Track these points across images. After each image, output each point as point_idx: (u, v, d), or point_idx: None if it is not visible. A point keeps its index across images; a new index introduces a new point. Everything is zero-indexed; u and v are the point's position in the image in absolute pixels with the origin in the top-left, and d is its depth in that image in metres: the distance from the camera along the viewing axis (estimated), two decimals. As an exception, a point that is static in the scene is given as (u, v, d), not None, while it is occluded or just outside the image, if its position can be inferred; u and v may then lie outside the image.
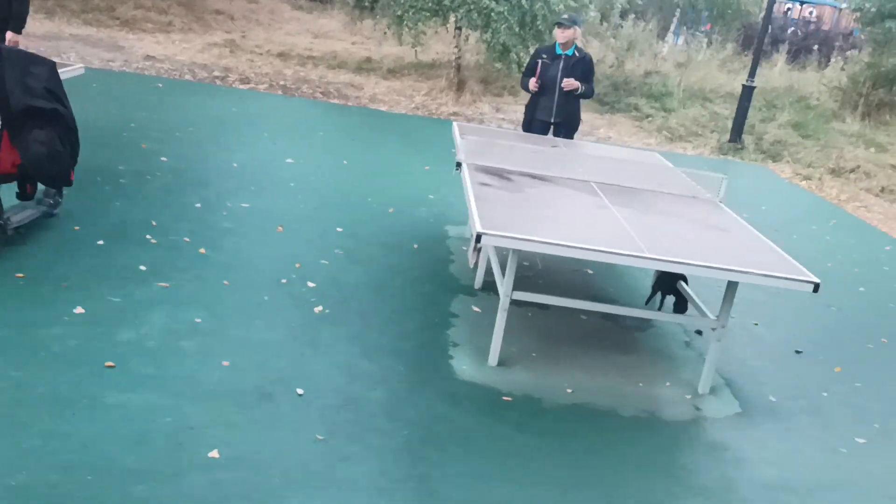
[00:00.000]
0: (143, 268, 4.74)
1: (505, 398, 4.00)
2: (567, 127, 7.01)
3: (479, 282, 5.30)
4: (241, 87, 11.46)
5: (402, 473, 3.28)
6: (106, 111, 8.39)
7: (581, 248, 3.77)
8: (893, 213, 9.70)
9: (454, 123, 6.64)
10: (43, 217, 5.01)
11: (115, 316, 4.14)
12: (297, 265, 5.19)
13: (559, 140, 6.61)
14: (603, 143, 11.16)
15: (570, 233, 4.02)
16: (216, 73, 12.03)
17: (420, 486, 3.21)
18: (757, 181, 10.57)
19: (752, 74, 12.16)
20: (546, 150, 5.77)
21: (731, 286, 4.19)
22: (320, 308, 4.63)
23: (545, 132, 6.98)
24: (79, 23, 14.47)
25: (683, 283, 5.03)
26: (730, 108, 13.47)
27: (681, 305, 5.13)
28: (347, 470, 3.25)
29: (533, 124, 7.01)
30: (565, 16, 7.37)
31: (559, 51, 6.82)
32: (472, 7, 11.23)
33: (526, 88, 6.94)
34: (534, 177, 5.03)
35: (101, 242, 4.99)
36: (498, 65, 11.97)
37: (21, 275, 4.38)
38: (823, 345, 5.38)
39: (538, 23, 11.26)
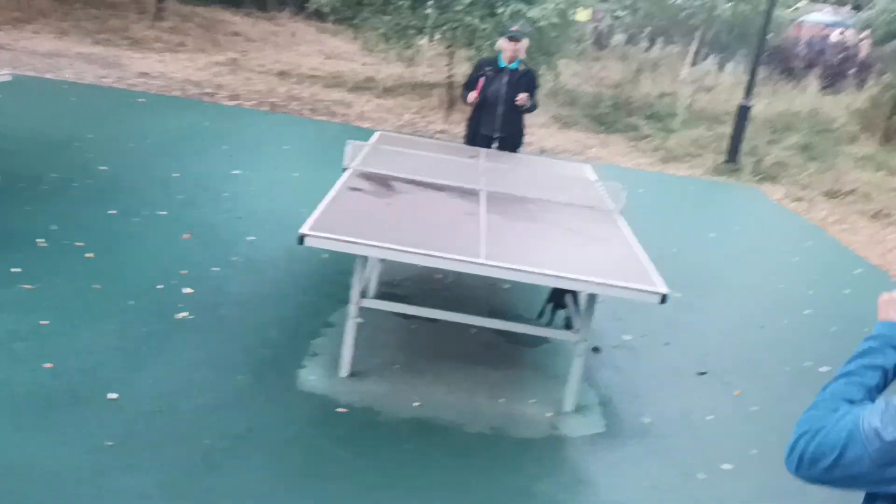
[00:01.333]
0: (16, 270, 4.71)
1: (340, 409, 3.82)
2: (511, 141, 6.78)
3: (372, 292, 5.15)
4: (229, 103, 11.55)
5: (182, 487, 3.12)
6: (66, 123, 8.51)
7: (407, 252, 3.59)
8: (881, 237, 9.22)
9: (377, 133, 6.52)
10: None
11: (-41, 315, 4.09)
12: (184, 272, 5.10)
13: (484, 150, 6.42)
14: (564, 158, 10.91)
15: (416, 238, 3.84)
16: (207, 90, 12.15)
17: (196, 502, 3.05)
18: (741, 202, 10.20)
19: (747, 94, 11.79)
20: (456, 160, 5.59)
21: (591, 298, 3.95)
22: (184, 315, 4.52)
23: (488, 146, 6.75)
24: (90, 42, 14.82)
25: (573, 297, 4.78)
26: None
27: (569, 321, 4.89)
28: (125, 480, 3.10)
29: (476, 139, 6.77)
30: (515, 27, 7.10)
31: (502, 64, 6.57)
32: (456, 25, 11.15)
33: (466, 101, 6.76)
34: (418, 184, 4.86)
35: (-14, 245, 4.99)
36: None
37: None
38: (733, 367, 5.06)
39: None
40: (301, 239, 3.61)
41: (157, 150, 8.04)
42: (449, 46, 12.25)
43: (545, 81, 12.58)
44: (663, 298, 3.62)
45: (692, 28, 20.74)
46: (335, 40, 19.72)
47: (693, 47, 19.79)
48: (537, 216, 4.59)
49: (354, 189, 4.51)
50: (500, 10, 10.82)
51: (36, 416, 3.40)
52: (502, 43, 6.70)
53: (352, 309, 4.02)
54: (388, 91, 13.81)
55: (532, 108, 6.70)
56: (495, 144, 6.73)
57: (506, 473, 3.55)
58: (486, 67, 6.66)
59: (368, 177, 4.84)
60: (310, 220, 3.79)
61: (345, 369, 4.10)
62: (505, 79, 6.53)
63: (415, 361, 4.42)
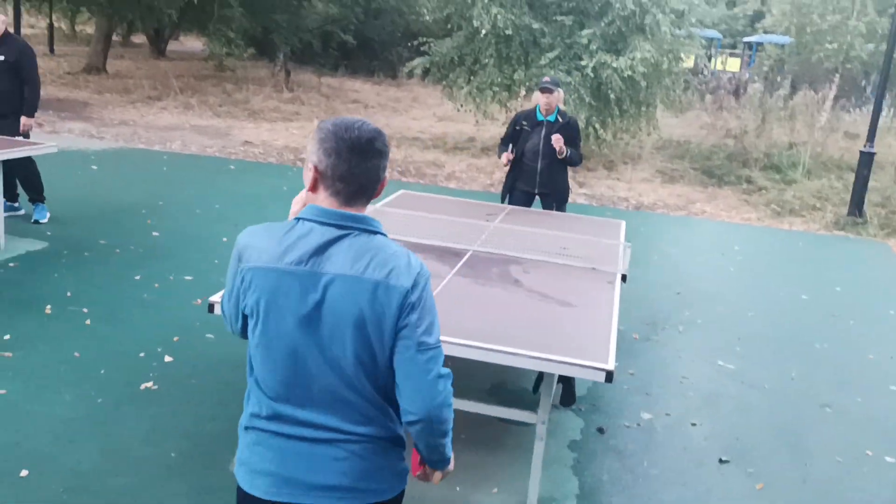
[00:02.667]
0: (6, 337, 4.75)
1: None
2: (556, 198, 6.34)
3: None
4: (319, 168, 11.71)
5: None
6: (142, 190, 8.83)
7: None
8: None
9: (400, 191, 6.25)
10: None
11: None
12: (175, 338, 4.98)
13: (507, 209, 5.98)
14: (623, 208, 10.18)
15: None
16: (302, 156, 12.42)
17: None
18: (858, 259, 9.08)
19: (870, 139, 10.64)
20: (465, 221, 5.19)
21: (547, 377, 3.42)
22: (148, 385, 4.36)
23: (528, 203, 6.36)
24: (210, 115, 15.63)
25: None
26: (873, 180, 11.81)
27: (567, 397, 4.34)
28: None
29: (514, 194, 6.37)
30: (547, 79, 6.60)
31: (540, 116, 6.17)
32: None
33: (500, 159, 6.36)
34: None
35: (-7, 312, 5.09)
36: (591, 143, 11.52)
37: None
38: (769, 454, 4.30)
39: (610, 93, 10.62)
40: (210, 307, 3.35)
41: (218, 215, 8.16)
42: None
43: (643, 133, 11.99)
44: (608, 376, 3.06)
45: (829, 72, 19.30)
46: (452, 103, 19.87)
47: (832, 92, 18.37)
48: (514, 279, 4.11)
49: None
50: (583, 63, 10.39)
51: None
52: (537, 95, 6.30)
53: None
54: (486, 150, 13.61)
55: (574, 160, 6.26)
56: (537, 201, 6.37)
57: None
58: (523, 122, 6.26)
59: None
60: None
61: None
62: (543, 132, 6.15)
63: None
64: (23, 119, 7.08)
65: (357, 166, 1.90)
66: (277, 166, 11.52)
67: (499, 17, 10.57)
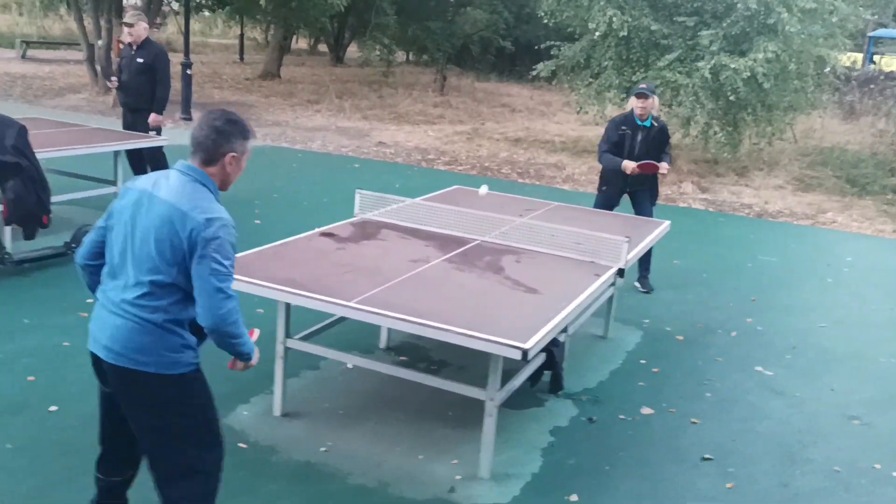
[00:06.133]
0: (27, 321, 5.49)
1: (241, 445, 3.90)
2: (649, 192, 6.81)
3: (384, 341, 5.17)
4: (442, 167, 12.19)
5: None
6: (267, 183, 9.65)
7: (283, 291, 3.64)
8: None
9: (454, 186, 6.51)
10: (53, 256, 6.05)
11: None
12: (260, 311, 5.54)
13: (549, 205, 6.18)
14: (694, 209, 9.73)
15: (317, 280, 3.86)
16: (430, 156, 12.95)
17: None
18: None
19: None
20: (492, 216, 5.38)
21: (493, 358, 3.59)
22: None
23: (618, 199, 6.84)
24: (358, 117, 16.57)
25: (555, 355, 4.35)
26: None
27: (555, 384, 4.45)
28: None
29: (608, 191, 6.82)
30: (643, 85, 7.00)
31: (638, 122, 6.59)
32: (658, 82, 10.67)
33: (603, 162, 6.71)
34: (406, 231, 4.84)
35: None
36: (712, 146, 11.29)
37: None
38: (752, 458, 4.20)
39: (731, 95, 10.29)
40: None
41: (321, 208, 8.77)
42: (670, 106, 11.73)
43: (778, 139, 11.50)
44: (524, 354, 3.22)
45: None
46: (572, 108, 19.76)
47: None
48: (499, 268, 4.29)
49: (324, 234, 4.63)
50: (701, 65, 10.16)
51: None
52: (633, 101, 6.68)
53: (278, 348, 4.12)
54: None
55: (668, 165, 6.74)
56: (628, 198, 6.84)
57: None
58: (623, 126, 6.68)
59: (357, 224, 4.94)
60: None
61: (277, 408, 4.19)
62: (640, 136, 6.59)
63: (365, 410, 4.35)
64: (152, 115, 8.01)
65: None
66: (401, 166, 12.10)
67: (614, 19, 10.55)
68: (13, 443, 3.74)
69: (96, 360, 2.72)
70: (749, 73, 9.76)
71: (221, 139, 2.69)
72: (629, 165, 6.45)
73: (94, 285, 2.81)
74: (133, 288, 2.60)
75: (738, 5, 10.18)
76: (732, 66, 9.90)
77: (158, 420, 2.69)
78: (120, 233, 2.65)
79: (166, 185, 2.64)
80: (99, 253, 2.75)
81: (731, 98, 10.28)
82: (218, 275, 2.55)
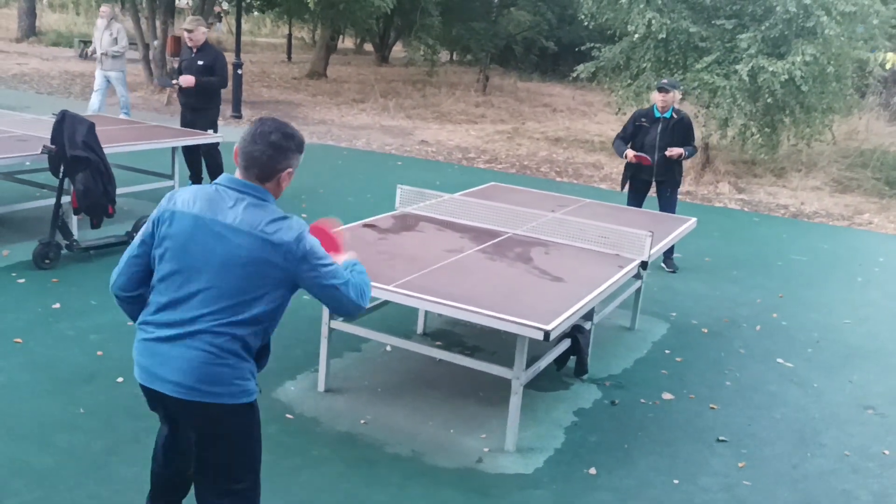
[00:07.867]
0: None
1: (288, 416, 4.27)
2: (670, 185, 7.27)
3: (420, 327, 5.50)
4: (482, 166, 12.50)
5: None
6: (314, 179, 10.04)
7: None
8: None
9: (490, 183, 6.81)
10: (116, 244, 6.50)
11: None
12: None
13: (579, 202, 6.48)
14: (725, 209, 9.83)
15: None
16: (470, 155, 13.27)
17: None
18: None
19: None
20: (527, 211, 5.68)
21: (520, 339, 3.90)
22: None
23: (646, 190, 7.30)
24: (402, 116, 16.95)
25: (580, 341, 4.64)
26: None
27: (580, 367, 4.74)
28: None
29: (633, 183, 7.29)
30: (665, 80, 7.46)
31: (657, 114, 7.08)
32: (696, 84, 10.85)
33: (619, 152, 7.19)
34: (442, 224, 5.16)
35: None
36: (749, 148, 11.46)
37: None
38: (766, 441, 4.44)
39: (768, 98, 10.43)
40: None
41: (366, 203, 9.13)
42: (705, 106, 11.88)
43: (817, 140, 11.59)
44: (546, 335, 3.53)
45: None
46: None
47: None
48: (528, 258, 4.60)
49: (366, 226, 4.99)
50: (739, 67, 10.31)
51: None
52: (654, 95, 7.05)
53: (323, 329, 4.48)
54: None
55: (691, 154, 7.25)
56: (652, 188, 7.33)
57: (364, 486, 3.68)
58: (642, 118, 7.19)
59: (398, 216, 5.28)
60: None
61: (321, 384, 4.55)
62: (659, 127, 7.06)
63: (402, 388, 4.69)
64: (186, 77, 8.21)
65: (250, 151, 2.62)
66: (442, 164, 12.43)
67: (653, 21, 10.75)
68: (85, 408, 4.15)
69: (152, 395, 2.66)
70: (787, 76, 9.89)
71: (279, 156, 2.59)
72: (629, 153, 7.02)
73: (135, 314, 2.74)
74: (208, 318, 2.52)
75: (777, 8, 10.30)
76: (770, 68, 10.03)
77: (228, 449, 2.68)
78: (183, 262, 2.53)
79: (232, 213, 2.53)
80: (140, 283, 2.67)
81: (769, 100, 10.42)
82: (330, 276, 2.59)
